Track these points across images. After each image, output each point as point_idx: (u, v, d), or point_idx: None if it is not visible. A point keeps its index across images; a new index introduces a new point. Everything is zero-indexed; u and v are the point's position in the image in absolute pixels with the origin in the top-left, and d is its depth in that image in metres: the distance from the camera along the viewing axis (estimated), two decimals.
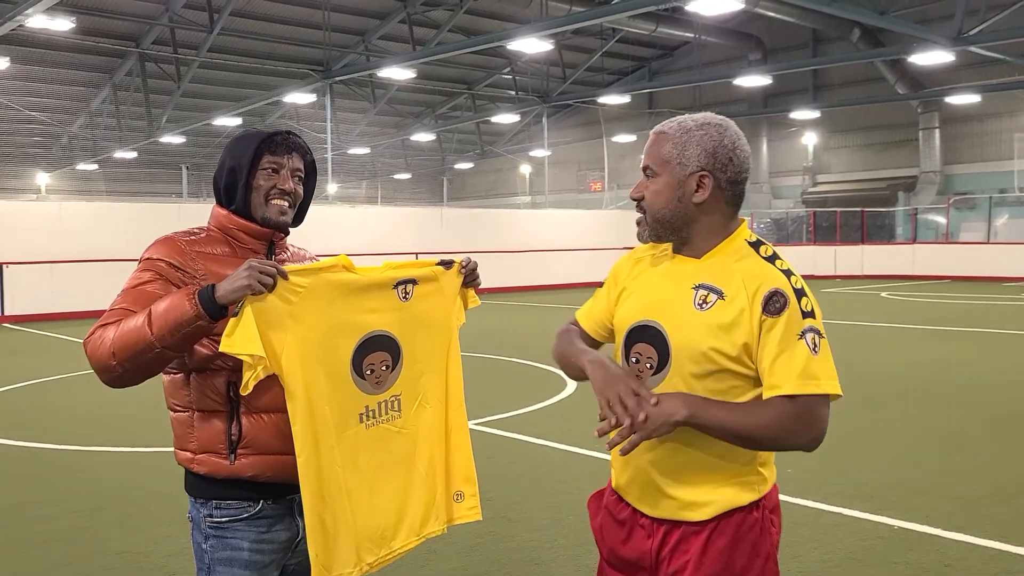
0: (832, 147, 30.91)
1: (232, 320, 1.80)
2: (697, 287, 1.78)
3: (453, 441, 2.23)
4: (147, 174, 35.59)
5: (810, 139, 30.66)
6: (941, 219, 27.21)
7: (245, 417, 1.94)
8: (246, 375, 1.81)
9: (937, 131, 27.61)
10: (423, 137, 34.35)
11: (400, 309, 2.09)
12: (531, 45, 18.92)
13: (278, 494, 1.99)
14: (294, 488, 1.93)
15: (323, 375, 1.93)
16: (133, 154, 31.98)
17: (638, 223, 1.87)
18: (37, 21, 15.21)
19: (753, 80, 23.64)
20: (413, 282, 2.12)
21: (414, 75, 23.59)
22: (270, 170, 2.05)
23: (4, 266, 15.72)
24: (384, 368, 2.05)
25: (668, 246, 1.89)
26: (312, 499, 1.90)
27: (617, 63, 31.36)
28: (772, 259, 1.78)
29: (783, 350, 1.68)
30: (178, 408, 1.99)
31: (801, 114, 27.63)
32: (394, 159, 39.92)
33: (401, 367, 2.10)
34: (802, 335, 1.69)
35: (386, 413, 2.07)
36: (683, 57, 31.72)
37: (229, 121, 27.49)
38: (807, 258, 25.93)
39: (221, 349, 1.79)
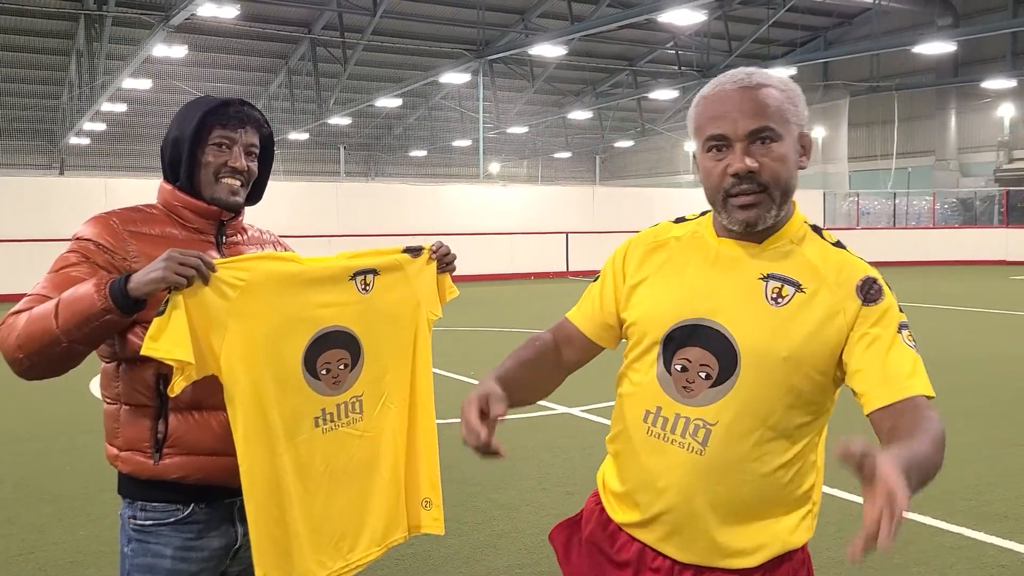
0: None
1: (157, 320, 1.65)
2: (766, 278, 1.46)
3: (420, 444, 2.06)
4: (316, 155, 37.32)
5: (1006, 111, 27.66)
6: None
7: (173, 414, 1.80)
8: (175, 378, 1.68)
9: None
10: (581, 115, 33.97)
11: (360, 303, 1.92)
12: (684, 16, 18.21)
13: (212, 498, 1.84)
14: (231, 492, 1.79)
15: (270, 377, 1.79)
16: (305, 136, 33.63)
17: (749, 205, 1.44)
18: (206, 9, 16.16)
19: (937, 47, 21.58)
20: (374, 272, 1.95)
21: (565, 52, 23.35)
22: (221, 145, 1.88)
23: None
24: (342, 367, 1.89)
25: (697, 224, 1.58)
26: (257, 512, 1.77)
27: (788, 34, 29.59)
28: (840, 245, 1.52)
29: (892, 346, 1.41)
30: (108, 400, 1.87)
31: (996, 83, 25.03)
32: (554, 138, 39.82)
33: (362, 366, 1.93)
34: (900, 330, 1.44)
35: (346, 416, 1.91)
36: (863, 25, 29.51)
37: (390, 102, 28.28)
38: (997, 243, 23.58)
39: (143, 352, 1.64)
